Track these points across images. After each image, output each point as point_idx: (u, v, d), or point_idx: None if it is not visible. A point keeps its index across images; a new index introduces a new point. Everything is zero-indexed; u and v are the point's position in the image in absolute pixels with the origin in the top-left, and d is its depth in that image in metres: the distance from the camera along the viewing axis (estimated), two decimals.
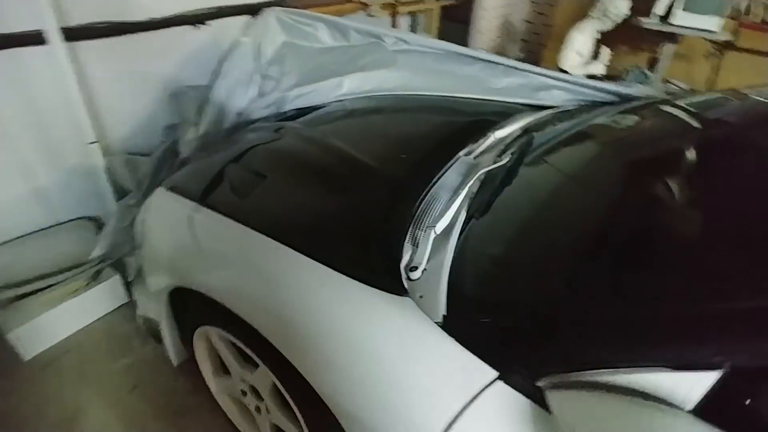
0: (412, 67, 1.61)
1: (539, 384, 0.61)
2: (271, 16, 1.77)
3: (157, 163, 1.53)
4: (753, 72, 2.57)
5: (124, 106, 1.62)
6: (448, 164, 1.14)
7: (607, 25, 2.54)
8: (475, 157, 1.24)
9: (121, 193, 1.57)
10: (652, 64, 2.81)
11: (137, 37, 1.54)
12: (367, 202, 1.04)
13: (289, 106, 1.62)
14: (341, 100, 1.59)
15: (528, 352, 0.65)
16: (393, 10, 2.45)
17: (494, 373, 0.65)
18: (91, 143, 1.50)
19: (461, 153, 1.22)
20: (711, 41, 2.68)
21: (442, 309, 0.73)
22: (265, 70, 1.74)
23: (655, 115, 1.37)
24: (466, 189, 0.96)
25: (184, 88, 1.73)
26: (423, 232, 0.88)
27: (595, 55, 2.61)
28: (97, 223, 1.62)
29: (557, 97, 1.59)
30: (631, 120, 1.37)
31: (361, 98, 1.58)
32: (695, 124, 1.21)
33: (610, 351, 0.61)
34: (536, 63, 3.51)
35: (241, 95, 1.68)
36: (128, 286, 1.55)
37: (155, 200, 1.22)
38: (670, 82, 2.59)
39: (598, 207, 0.94)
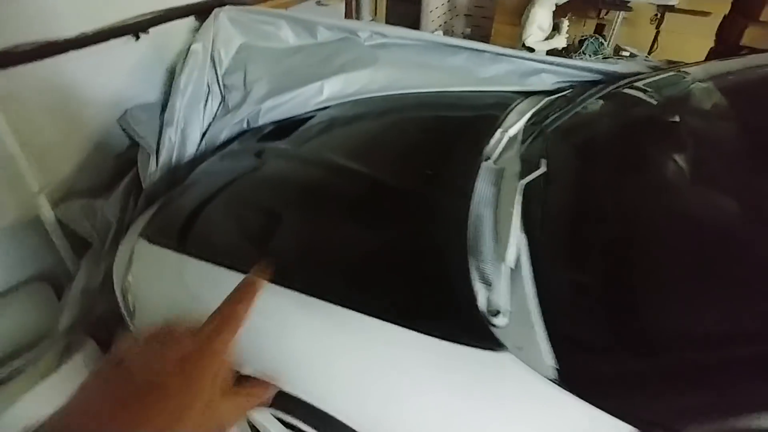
0: (396, 64, 1.48)
1: None
2: (223, 16, 1.55)
3: (118, 204, 1.30)
4: (693, 32, 2.69)
5: (67, 140, 1.35)
6: (473, 174, 1.05)
7: None
8: (495, 162, 1.16)
9: (80, 246, 1.33)
10: (600, 31, 2.87)
11: (70, 56, 1.27)
12: (404, 233, 0.92)
13: (264, 119, 1.44)
14: (324, 108, 1.44)
15: (678, 402, 0.58)
16: None
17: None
18: (36, 193, 1.24)
19: (481, 160, 1.13)
20: (658, 5, 2.76)
21: (550, 360, 0.65)
22: (226, 80, 1.54)
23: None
24: (518, 206, 0.87)
25: (134, 110, 1.48)
26: (490, 266, 0.79)
27: (555, 28, 2.61)
28: (56, 285, 1.37)
29: (547, 81, 1.54)
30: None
31: (347, 104, 1.42)
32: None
33: None
34: (486, 37, 3.51)
35: (203, 112, 1.47)
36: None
37: (139, 258, 1.03)
38: (622, 49, 2.66)
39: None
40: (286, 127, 1.38)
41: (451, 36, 2.59)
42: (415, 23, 2.90)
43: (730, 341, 0.60)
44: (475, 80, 1.51)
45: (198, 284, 0.90)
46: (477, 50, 1.54)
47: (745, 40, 3.19)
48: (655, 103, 1.26)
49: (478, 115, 1.36)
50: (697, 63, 1.41)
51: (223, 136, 1.45)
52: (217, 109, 1.53)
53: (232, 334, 0.34)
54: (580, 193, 0.93)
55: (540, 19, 2.49)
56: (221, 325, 0.34)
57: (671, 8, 2.70)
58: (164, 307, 0.96)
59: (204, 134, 1.48)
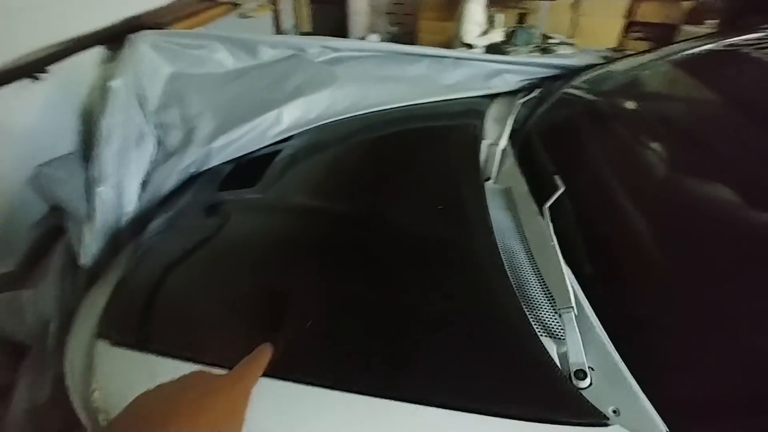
0: (357, 80, 1.34)
1: None
2: (142, 44, 1.31)
3: (53, 292, 1.04)
4: (606, 14, 2.84)
5: None
6: (482, 201, 0.95)
7: None
8: (495, 182, 1.08)
9: (12, 352, 1.04)
10: (522, 20, 2.93)
11: None
12: (436, 296, 0.77)
13: (216, 160, 1.23)
14: (285, 140, 1.26)
15: None
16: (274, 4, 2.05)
17: None
18: None
19: (482, 181, 1.05)
20: None
21: (660, 425, 0.57)
22: (160, 118, 1.31)
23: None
24: (554, 239, 0.79)
25: (46, 168, 1.20)
26: (556, 316, 0.70)
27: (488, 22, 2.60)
28: None
29: (510, 81, 1.49)
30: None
31: (311, 132, 1.26)
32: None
33: None
34: (411, 34, 3.46)
35: (138, 161, 1.24)
36: None
37: (105, 364, 0.80)
38: (549, 36, 2.73)
39: None
40: (246, 168, 1.19)
41: (378, 35, 2.49)
42: (340, 26, 2.76)
43: None
44: (440, 88, 1.42)
45: None
46: (438, 56, 1.45)
47: (638, 15, 3.46)
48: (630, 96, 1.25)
49: (455, 127, 1.27)
50: (646, 51, 1.43)
51: (169, 185, 1.23)
52: (154, 154, 1.30)
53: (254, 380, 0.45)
54: (624, 211, 0.84)
55: (475, 14, 2.47)
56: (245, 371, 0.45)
57: None
58: None
59: (143, 186, 1.25)
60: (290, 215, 0.98)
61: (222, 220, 1.01)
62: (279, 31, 2.19)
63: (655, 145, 1.00)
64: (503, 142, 1.15)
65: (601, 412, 0.58)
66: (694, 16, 3.81)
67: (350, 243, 0.89)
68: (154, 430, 0.33)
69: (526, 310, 0.71)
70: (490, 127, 1.26)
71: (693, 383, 0.60)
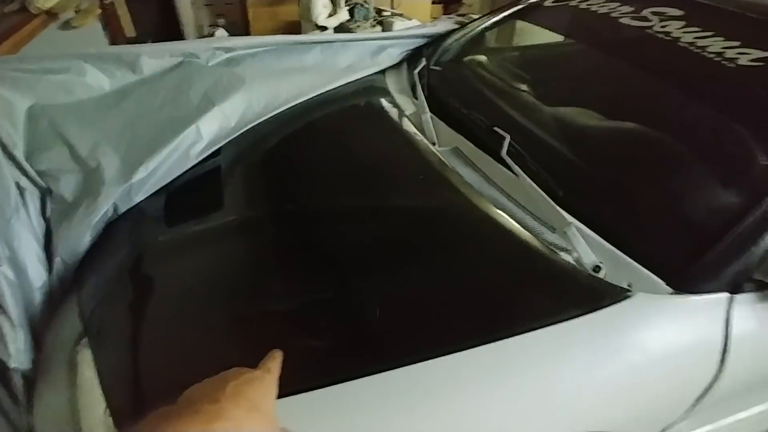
0: (264, 79, 1.28)
1: None
2: None
3: None
4: None
5: None
6: (445, 165, 1.07)
7: None
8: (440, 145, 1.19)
9: None
10: None
11: None
12: (465, 250, 0.88)
13: (140, 197, 1.07)
14: (210, 158, 1.16)
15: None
16: (105, 7, 1.70)
17: None
18: None
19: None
20: None
21: (661, 282, 0.78)
22: (39, 165, 1.07)
23: None
24: (528, 178, 0.94)
25: None
26: (558, 236, 0.86)
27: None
28: None
29: (393, 54, 1.59)
30: None
31: (234, 144, 1.18)
32: None
33: None
34: (238, 23, 3.25)
35: (28, 223, 1.00)
36: None
37: None
38: (381, 9, 2.90)
39: None
40: (186, 196, 1.08)
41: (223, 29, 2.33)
42: (168, 25, 2.47)
43: None
44: (338, 72, 1.45)
45: None
46: (326, 42, 1.47)
47: None
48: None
49: (374, 105, 1.35)
50: (491, 13, 1.69)
51: (87, 240, 1.03)
52: (43, 209, 1.06)
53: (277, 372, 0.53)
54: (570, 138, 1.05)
55: None
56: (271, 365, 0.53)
57: None
58: None
59: (46, 251, 1.02)
60: (252, 227, 0.98)
61: (179, 256, 0.95)
62: (114, 41, 1.85)
63: (547, 90, 1.25)
64: (426, 110, 1.26)
65: (622, 288, 0.77)
66: None
67: (337, 229, 0.95)
68: (207, 406, 0.41)
69: (532, 238, 0.86)
70: (400, 101, 1.36)
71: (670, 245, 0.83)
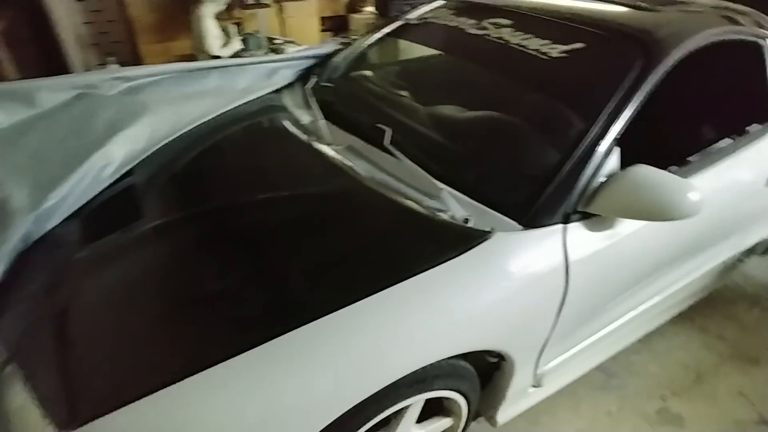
0: (166, 104, 1.37)
1: None
2: None
3: None
4: (304, 13, 3.35)
5: None
6: (341, 162, 1.24)
7: (222, 6, 2.62)
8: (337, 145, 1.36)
9: None
10: (240, 28, 3.14)
11: None
12: (363, 223, 1.06)
13: (57, 219, 1.11)
14: (121, 179, 1.22)
15: None
16: None
17: None
18: None
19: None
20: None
21: (509, 220, 1.01)
22: None
23: None
24: (407, 159, 1.15)
25: None
26: (435, 202, 1.06)
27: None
28: None
29: (287, 75, 1.75)
30: None
31: (144, 166, 1.25)
32: None
33: None
34: (129, 62, 3.20)
35: None
36: None
37: None
38: (273, 38, 3.04)
39: None
40: (100, 215, 1.14)
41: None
42: (54, 69, 2.41)
43: None
44: (236, 93, 1.58)
45: None
46: (223, 67, 1.59)
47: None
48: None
49: (276, 120, 1.49)
50: (368, 32, 1.94)
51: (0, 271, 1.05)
52: None
53: None
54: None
55: (212, 29, 2.56)
56: None
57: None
58: None
59: None
60: (169, 234, 1.07)
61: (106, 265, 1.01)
62: None
63: (417, 89, 1.49)
64: (320, 118, 1.43)
65: (487, 230, 0.99)
66: (351, 7, 4.84)
67: (252, 227, 1.07)
68: None
69: (420, 205, 1.06)
70: (298, 114, 1.53)
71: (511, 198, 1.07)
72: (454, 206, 1.04)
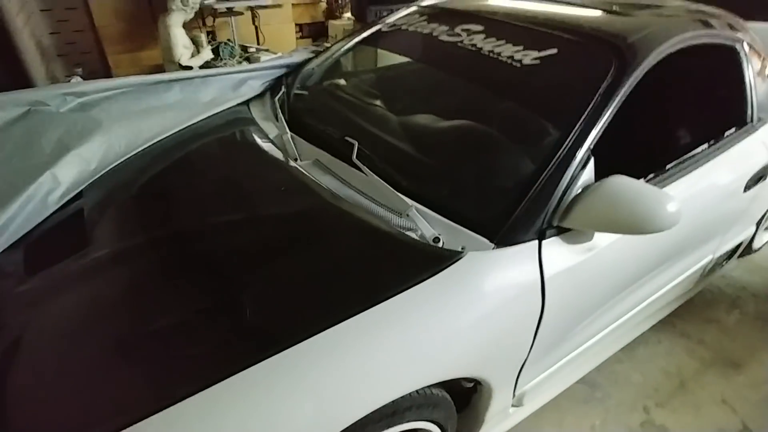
0: (122, 119, 1.30)
1: None
2: None
3: None
4: (278, 21, 3.29)
5: None
6: (305, 177, 1.18)
7: (190, 15, 2.55)
8: (300, 160, 1.31)
9: None
10: (213, 37, 3.07)
11: None
12: (323, 242, 1.00)
13: None
14: (68, 203, 1.15)
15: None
16: None
17: None
18: None
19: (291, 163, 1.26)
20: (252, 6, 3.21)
21: (483, 239, 0.96)
22: None
23: None
24: (373, 174, 1.09)
25: None
26: (405, 220, 1.01)
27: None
28: None
29: (255, 85, 1.69)
30: None
31: (97, 185, 1.18)
32: None
33: None
34: (98, 72, 3.10)
35: None
36: None
37: None
38: (246, 46, 2.96)
39: None
40: (45, 243, 1.06)
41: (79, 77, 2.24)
42: (15, 81, 2.30)
43: None
44: (201, 106, 1.52)
45: None
46: (186, 79, 1.52)
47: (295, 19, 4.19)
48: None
49: (240, 134, 1.42)
50: (340, 40, 1.88)
51: None
52: None
53: None
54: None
55: (181, 38, 2.48)
56: None
57: (262, 7, 3.20)
58: None
59: None
60: (126, 257, 1.00)
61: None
62: None
63: (386, 100, 1.44)
64: (287, 131, 1.37)
65: (457, 251, 0.93)
66: (330, 13, 4.79)
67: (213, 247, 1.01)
68: None
69: (387, 224, 1.00)
70: (265, 126, 1.46)
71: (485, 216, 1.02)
72: (423, 225, 0.99)
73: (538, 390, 1.27)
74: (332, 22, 4.72)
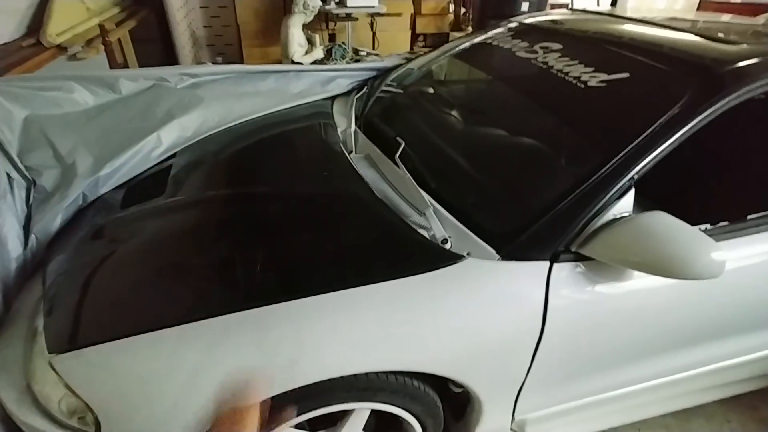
0: (221, 99, 1.55)
1: None
2: None
3: None
4: (395, 29, 3.49)
5: None
6: (351, 168, 1.29)
7: (309, 18, 2.90)
8: (356, 154, 1.42)
9: None
10: (332, 39, 3.39)
11: None
12: (348, 226, 1.10)
13: (105, 188, 1.31)
14: (169, 158, 1.41)
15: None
16: (106, 43, 2.04)
17: None
18: None
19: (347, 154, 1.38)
20: (370, 14, 3.48)
21: (489, 248, 0.97)
22: (28, 161, 1.32)
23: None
24: (407, 173, 1.16)
25: None
26: (420, 218, 1.06)
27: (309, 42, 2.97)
28: None
29: (342, 84, 1.85)
30: None
31: (193, 147, 1.43)
32: None
33: None
34: (235, 61, 3.62)
35: (11, 208, 1.23)
36: None
37: (74, 371, 0.89)
38: (359, 50, 3.23)
39: None
40: (141, 187, 1.32)
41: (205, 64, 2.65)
42: (167, 62, 2.82)
43: None
44: (290, 96, 1.72)
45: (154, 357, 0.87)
46: (281, 72, 1.74)
47: (418, 29, 4.34)
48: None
49: (315, 123, 1.59)
50: (430, 50, 1.96)
51: (58, 222, 1.26)
52: (28, 197, 1.31)
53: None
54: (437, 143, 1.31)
55: (297, 37, 2.81)
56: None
57: (380, 14, 3.45)
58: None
59: (26, 228, 1.26)
60: (204, 205, 1.19)
61: (133, 227, 1.17)
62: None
63: (446, 108, 1.48)
64: (352, 126, 1.50)
65: (461, 254, 0.96)
66: (456, 25, 4.88)
67: (261, 211, 1.15)
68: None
69: (403, 219, 1.06)
70: (338, 120, 1.61)
71: (494, 227, 1.02)
72: (436, 225, 1.03)
73: (547, 424, 1.21)
74: (453, 34, 4.81)
